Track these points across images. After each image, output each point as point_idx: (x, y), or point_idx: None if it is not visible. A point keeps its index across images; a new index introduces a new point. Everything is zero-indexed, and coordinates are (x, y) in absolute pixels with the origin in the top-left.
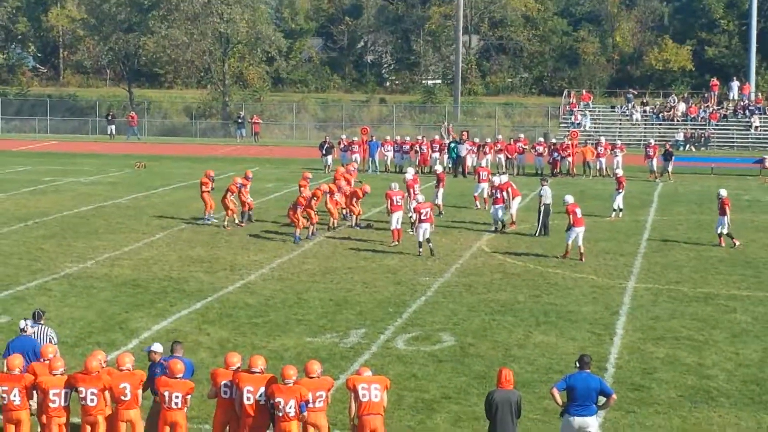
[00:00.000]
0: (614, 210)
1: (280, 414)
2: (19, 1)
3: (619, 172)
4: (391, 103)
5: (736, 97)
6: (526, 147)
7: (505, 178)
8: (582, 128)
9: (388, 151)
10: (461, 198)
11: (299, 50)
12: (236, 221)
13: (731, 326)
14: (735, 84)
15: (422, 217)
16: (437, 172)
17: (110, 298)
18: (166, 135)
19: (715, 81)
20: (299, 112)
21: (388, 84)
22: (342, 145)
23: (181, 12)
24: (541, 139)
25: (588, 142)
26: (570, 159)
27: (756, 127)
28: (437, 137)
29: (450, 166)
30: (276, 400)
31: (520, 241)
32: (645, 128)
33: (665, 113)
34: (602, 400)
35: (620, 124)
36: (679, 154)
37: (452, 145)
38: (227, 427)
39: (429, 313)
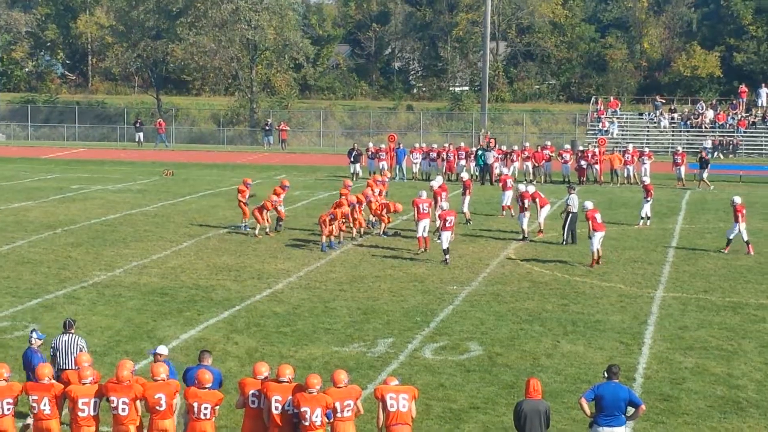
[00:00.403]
0: (641, 218)
1: (306, 423)
2: (49, 8)
3: (647, 180)
4: (418, 110)
5: (765, 104)
6: (553, 154)
7: (532, 188)
8: (610, 135)
9: (416, 158)
10: (488, 206)
11: (327, 57)
12: (267, 230)
13: (760, 336)
14: (764, 91)
15: (446, 225)
16: (463, 180)
17: (138, 306)
18: (194, 142)
19: (743, 88)
20: (326, 119)
21: (415, 91)
22: (369, 153)
23: (209, 19)
24: (568, 146)
25: (615, 149)
26: (598, 166)
27: None
28: (463, 144)
29: (477, 173)
30: (302, 410)
31: (548, 249)
32: (673, 135)
33: (693, 120)
34: (631, 410)
35: (648, 131)
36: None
37: (479, 152)
38: None
39: (456, 322)
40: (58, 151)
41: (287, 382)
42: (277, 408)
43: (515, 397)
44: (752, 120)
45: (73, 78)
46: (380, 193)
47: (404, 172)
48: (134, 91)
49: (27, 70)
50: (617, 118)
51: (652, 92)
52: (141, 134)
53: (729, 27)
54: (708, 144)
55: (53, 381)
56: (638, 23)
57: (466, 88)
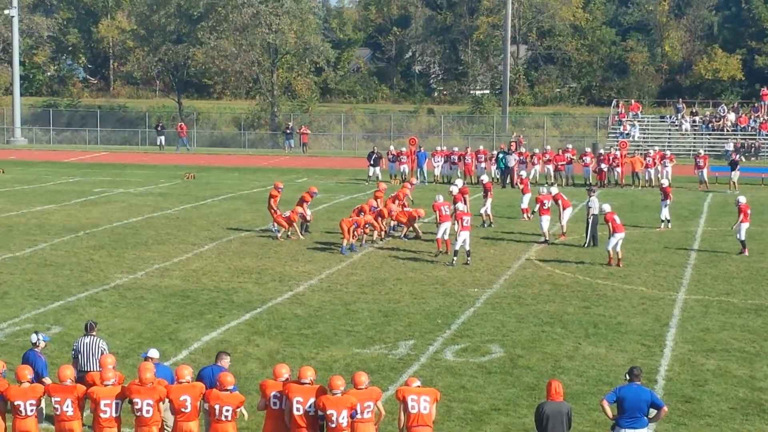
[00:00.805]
0: (662, 221)
1: (333, 425)
2: (70, 12)
3: (665, 182)
4: (439, 114)
5: None
6: (574, 157)
7: (554, 189)
8: (631, 138)
9: (438, 162)
10: (509, 209)
11: (347, 61)
12: (289, 234)
13: None
14: None
15: (463, 224)
16: (483, 183)
17: (160, 309)
18: (215, 146)
19: (765, 90)
20: (347, 123)
21: (436, 94)
22: (390, 156)
23: (230, 23)
24: (588, 150)
25: (637, 152)
26: (619, 169)
27: None
28: (482, 147)
29: (498, 176)
30: (328, 412)
31: (569, 252)
32: (695, 138)
33: (715, 123)
34: (653, 412)
35: (669, 134)
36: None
37: (500, 155)
38: None
39: (478, 325)
40: (80, 154)
41: (308, 383)
42: (298, 410)
43: (536, 399)
44: None
45: (95, 82)
46: (402, 199)
47: (425, 175)
48: (155, 95)
49: (49, 74)
50: (638, 121)
51: (673, 95)
52: (162, 138)
53: (750, 30)
54: (730, 147)
55: (76, 383)
56: (659, 26)
57: (487, 91)
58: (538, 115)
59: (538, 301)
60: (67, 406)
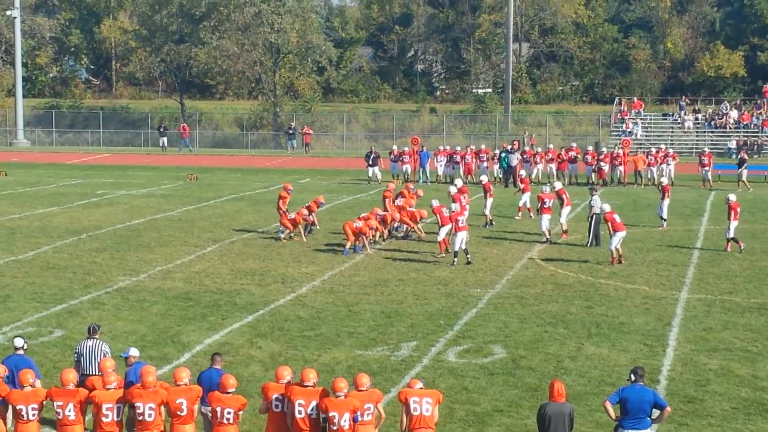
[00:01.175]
0: (663, 219)
1: (335, 428)
2: (72, 13)
3: (665, 180)
4: (441, 113)
5: None
6: (579, 156)
7: (558, 184)
8: (634, 136)
9: (440, 161)
10: (512, 208)
11: (349, 60)
12: (292, 235)
13: None
14: None
15: (459, 225)
16: (482, 183)
17: (162, 311)
18: (218, 146)
19: None
20: (350, 123)
21: (438, 93)
22: (392, 156)
23: (231, 23)
24: (590, 148)
25: (639, 150)
26: (621, 168)
27: None
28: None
29: (501, 175)
30: (330, 415)
31: (572, 251)
32: (697, 136)
33: (717, 120)
34: (656, 413)
35: (672, 132)
36: (732, 162)
37: (503, 154)
38: None
39: (480, 325)
40: (83, 156)
41: (311, 386)
42: (300, 412)
43: (539, 399)
44: None
45: (97, 83)
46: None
47: (428, 175)
48: (158, 95)
49: (51, 75)
50: (641, 119)
51: (675, 93)
52: (165, 139)
53: (753, 26)
54: (732, 144)
55: (78, 387)
56: (661, 23)
57: (489, 90)
58: (540, 113)
59: (540, 301)
60: (69, 411)
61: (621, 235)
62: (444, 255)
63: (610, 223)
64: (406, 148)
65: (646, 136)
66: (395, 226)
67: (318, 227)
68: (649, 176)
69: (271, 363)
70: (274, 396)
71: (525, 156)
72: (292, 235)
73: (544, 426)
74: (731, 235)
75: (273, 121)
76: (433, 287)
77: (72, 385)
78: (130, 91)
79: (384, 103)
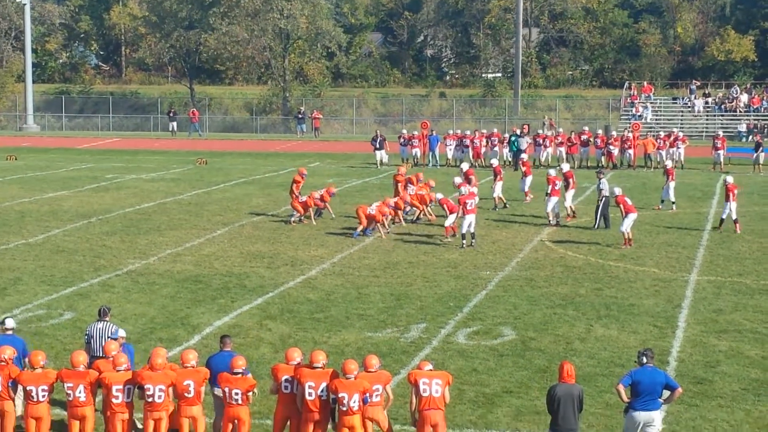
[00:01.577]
0: (673, 202)
1: (344, 408)
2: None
3: (669, 163)
4: (451, 97)
5: None
6: (591, 139)
7: (566, 166)
8: (643, 120)
9: (450, 145)
10: (521, 192)
11: (359, 45)
12: (302, 218)
13: None
14: None
15: (467, 208)
16: (493, 166)
17: (172, 294)
18: (227, 131)
19: None
20: (359, 107)
21: (447, 78)
22: (402, 140)
23: (241, 8)
24: (600, 132)
25: (649, 134)
26: (631, 151)
27: None
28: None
29: (511, 159)
30: (340, 395)
31: (581, 234)
32: (707, 120)
33: (727, 104)
34: (666, 393)
35: (682, 115)
36: (742, 145)
37: (513, 138)
38: (288, 422)
39: (490, 307)
40: (93, 141)
41: (321, 368)
42: (310, 394)
43: (548, 381)
44: None
45: (107, 69)
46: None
47: (437, 159)
48: (167, 81)
49: (61, 61)
50: (651, 103)
51: (685, 77)
52: (174, 124)
53: (763, 10)
54: (743, 128)
55: (88, 369)
56: (671, 8)
57: (499, 74)
58: (550, 97)
59: (550, 283)
60: (80, 392)
61: (633, 217)
62: (450, 239)
63: (621, 206)
64: (416, 133)
65: (656, 119)
66: (406, 210)
67: (333, 217)
68: (658, 159)
69: (281, 345)
70: (284, 377)
71: (537, 139)
72: (302, 218)
73: (554, 407)
74: (734, 216)
75: (282, 105)
76: (443, 270)
77: (82, 367)
78: (140, 76)
79: (393, 88)
